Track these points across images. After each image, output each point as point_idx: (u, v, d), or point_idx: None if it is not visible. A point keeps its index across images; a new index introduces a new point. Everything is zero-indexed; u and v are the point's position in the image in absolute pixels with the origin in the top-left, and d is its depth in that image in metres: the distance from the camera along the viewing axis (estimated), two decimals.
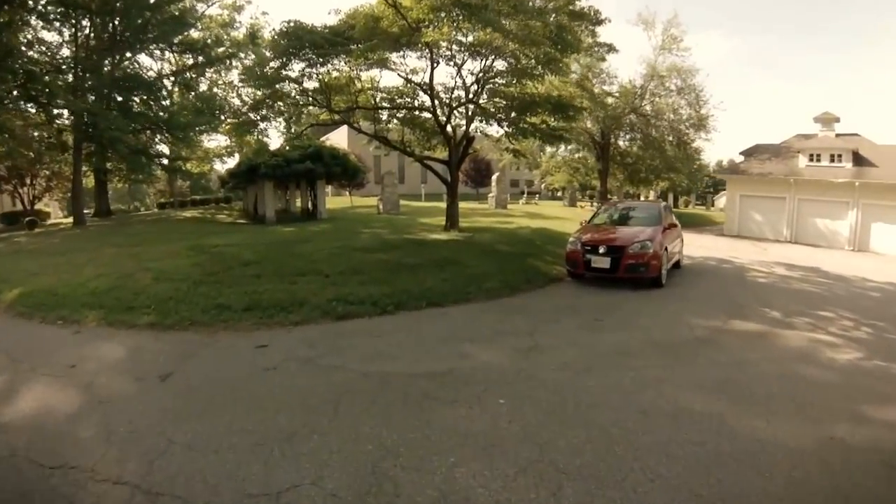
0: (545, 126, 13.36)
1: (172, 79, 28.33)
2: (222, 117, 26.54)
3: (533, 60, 11.90)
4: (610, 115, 27.34)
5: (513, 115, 13.06)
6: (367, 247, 12.04)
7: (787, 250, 19.68)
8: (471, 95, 13.56)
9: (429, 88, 13.68)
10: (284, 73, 13.88)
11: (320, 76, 14.54)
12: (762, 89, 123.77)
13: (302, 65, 14.07)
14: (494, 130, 15.46)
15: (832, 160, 25.49)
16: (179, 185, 38.90)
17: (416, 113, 15.52)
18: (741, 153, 27.98)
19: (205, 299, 8.23)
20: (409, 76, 14.01)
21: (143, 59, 29.85)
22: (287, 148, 18.69)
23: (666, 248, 10.64)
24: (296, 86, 14.70)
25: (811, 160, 25.82)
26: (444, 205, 31.48)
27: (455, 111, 14.18)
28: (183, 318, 7.48)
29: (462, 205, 33.88)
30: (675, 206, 35.87)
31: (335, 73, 14.95)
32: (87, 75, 25.78)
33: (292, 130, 15.10)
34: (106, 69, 26.07)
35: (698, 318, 8.01)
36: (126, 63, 28.27)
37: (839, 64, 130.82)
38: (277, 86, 13.92)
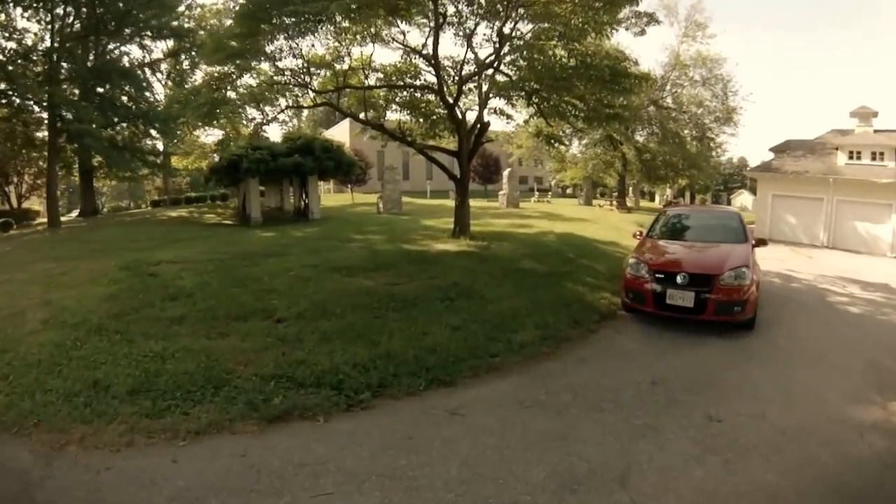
0: (596, 100, 9.35)
1: (160, 69, 24.60)
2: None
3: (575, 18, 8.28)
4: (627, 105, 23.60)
5: (548, 86, 9.27)
6: (351, 265, 8.48)
7: (833, 259, 16.20)
8: (488, 63, 9.83)
9: (432, 58, 10.03)
10: (249, 44, 10.29)
11: (299, 50, 10.98)
12: (775, 85, 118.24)
13: (279, 39, 10.53)
14: (517, 113, 11.65)
15: (873, 158, 21.85)
16: (177, 183, 35.42)
17: (418, 95, 11.92)
18: (771, 149, 24.26)
19: (82, 369, 4.78)
20: (408, 46, 10.36)
21: (134, 50, 26.41)
22: (267, 137, 14.99)
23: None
24: (268, 63, 11.14)
25: (851, 158, 22.17)
26: (451, 203, 27.81)
27: (466, 87, 10.54)
28: (29, 412, 4.06)
29: (471, 203, 29.99)
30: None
31: (320, 50, 11.41)
32: (64, 65, 22.31)
33: (267, 116, 11.47)
34: (91, 58, 22.64)
35: (846, 402, 4.62)
36: (112, 52, 24.77)
37: (849, 60, 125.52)
38: (240, 61, 10.32)
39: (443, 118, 11.51)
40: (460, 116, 10.73)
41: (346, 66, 11.69)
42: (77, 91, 22.92)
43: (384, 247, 10.31)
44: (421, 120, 11.95)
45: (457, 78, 10.57)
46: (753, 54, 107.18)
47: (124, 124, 23.41)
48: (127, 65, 22.97)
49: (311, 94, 11.54)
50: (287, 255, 10.15)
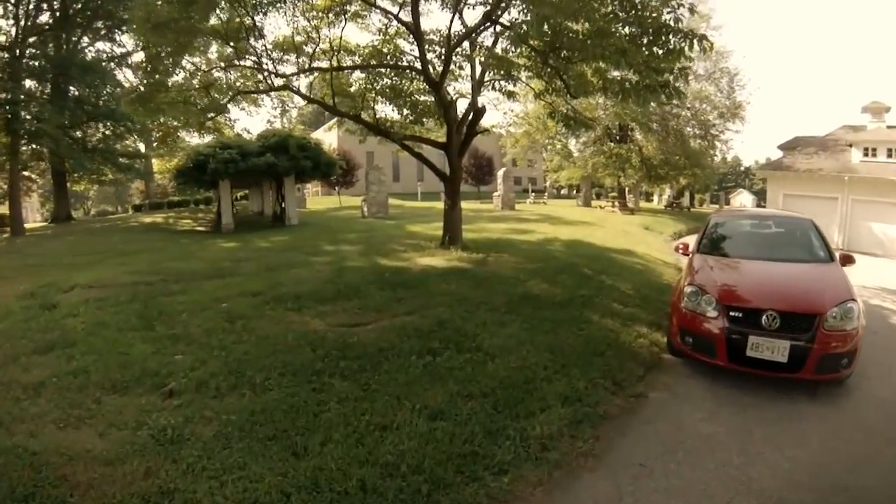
0: (644, 62, 5.96)
1: (128, 63, 21.89)
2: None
3: None
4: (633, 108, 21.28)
5: (569, 55, 6.58)
6: (304, 291, 6.07)
7: (858, 263, 13.78)
8: (483, 20, 7.06)
9: (413, 26, 7.56)
10: (194, 14, 7.90)
11: (258, 29, 8.59)
12: (773, 82, 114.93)
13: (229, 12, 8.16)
14: (521, 91, 8.88)
15: (889, 155, 19.73)
16: (162, 186, 32.77)
17: (401, 81, 9.49)
18: (780, 147, 22.08)
19: None
20: (379, 8, 7.87)
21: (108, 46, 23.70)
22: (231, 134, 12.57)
23: None
24: (220, 43, 8.73)
25: (866, 155, 20.02)
26: (441, 205, 25.52)
27: (455, 60, 8.09)
28: None
29: (464, 205, 27.27)
30: (692, 206, 29.82)
31: (286, 30, 9.00)
32: (25, 60, 19.73)
33: (219, 104, 9.02)
34: (63, 54, 20.04)
35: None
36: (85, 48, 22.20)
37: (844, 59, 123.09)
38: (180, 36, 7.90)
39: (429, 106, 9.08)
40: (449, 99, 8.25)
41: (315, 49, 9.28)
42: (46, 89, 20.50)
43: (356, 262, 7.93)
44: (405, 110, 9.44)
45: (442, 51, 8.06)
46: (750, 49, 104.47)
47: (92, 124, 20.78)
48: (90, 59, 20.26)
49: (271, 79, 9.08)
50: (234, 275, 7.78)
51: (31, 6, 19.78)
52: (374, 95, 10.03)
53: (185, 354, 4.54)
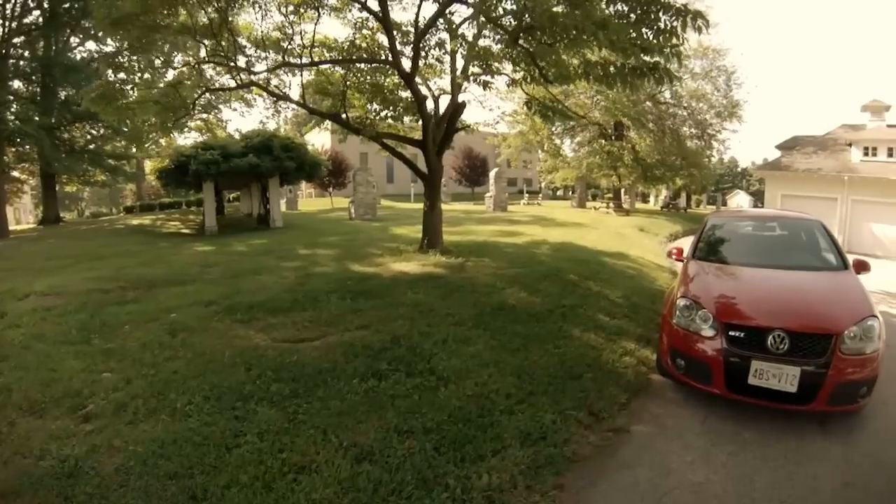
0: (629, 42, 5.24)
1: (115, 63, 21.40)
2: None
3: None
4: (625, 102, 20.77)
5: (541, 35, 5.81)
6: (260, 301, 5.58)
7: None
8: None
9: (382, 16, 6.99)
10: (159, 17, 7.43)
11: (225, 25, 8.07)
12: (770, 82, 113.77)
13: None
14: (502, 79, 8.24)
15: (890, 154, 19.23)
16: (154, 188, 32.32)
17: (379, 77, 8.96)
18: (778, 146, 21.53)
19: None
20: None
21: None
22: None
23: None
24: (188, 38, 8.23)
25: (866, 154, 19.50)
26: None
27: (429, 49, 7.51)
28: None
29: (455, 206, 26.49)
30: (689, 207, 29.22)
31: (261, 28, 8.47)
32: (12, 61, 19.31)
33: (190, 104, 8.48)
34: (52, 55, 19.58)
35: None
36: (74, 48, 21.77)
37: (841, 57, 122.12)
38: (141, 33, 7.42)
39: (404, 102, 8.54)
40: (423, 94, 7.68)
41: (289, 45, 8.77)
42: (36, 90, 20.06)
43: (325, 268, 7.43)
44: (376, 105, 8.89)
45: (412, 31, 7.44)
46: (749, 48, 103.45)
47: (79, 125, 20.33)
48: (77, 60, 19.81)
49: (240, 77, 8.58)
50: (197, 281, 7.30)
51: (17, 6, 19.43)
52: (351, 92, 9.53)
53: (114, 372, 4.12)
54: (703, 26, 5.02)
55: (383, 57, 8.62)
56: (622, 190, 25.37)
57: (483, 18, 5.73)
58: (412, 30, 8.06)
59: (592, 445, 3.20)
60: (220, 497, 2.45)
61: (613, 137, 21.18)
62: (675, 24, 5.13)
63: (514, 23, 6.00)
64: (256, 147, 14.23)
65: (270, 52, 9.15)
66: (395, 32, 7.16)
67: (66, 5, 20.41)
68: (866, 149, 19.43)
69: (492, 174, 20.45)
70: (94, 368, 4.18)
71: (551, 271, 7.60)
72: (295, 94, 9.49)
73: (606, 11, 5.29)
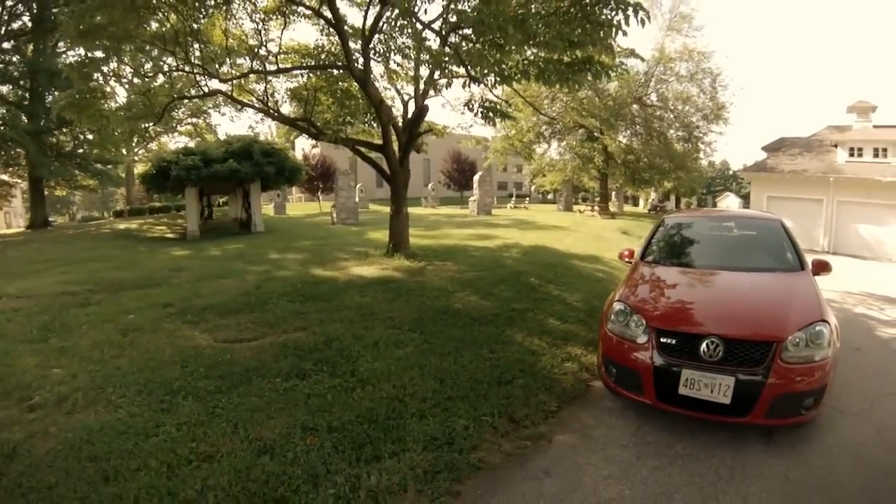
0: (557, 37, 5.19)
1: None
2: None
3: None
4: (611, 105, 21.08)
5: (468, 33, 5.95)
6: (215, 303, 5.86)
7: (843, 267, 13.32)
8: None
9: (333, 20, 7.15)
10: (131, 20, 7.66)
11: (201, 33, 8.34)
12: (759, 85, 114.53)
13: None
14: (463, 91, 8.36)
15: (876, 155, 19.45)
16: (144, 192, 32.62)
17: (339, 79, 9.15)
18: (764, 148, 21.78)
19: None
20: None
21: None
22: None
23: None
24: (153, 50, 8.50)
25: (851, 155, 19.73)
26: (420, 210, 25.19)
27: (389, 57, 7.68)
28: None
29: (441, 210, 26.63)
30: (678, 210, 29.48)
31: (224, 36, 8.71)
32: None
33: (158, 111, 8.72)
34: (51, 59, 19.87)
35: None
36: (62, 51, 22.09)
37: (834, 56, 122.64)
38: (111, 42, 7.69)
39: (361, 105, 8.77)
40: (381, 97, 7.87)
41: (258, 51, 9.06)
42: (25, 95, 20.41)
43: (287, 272, 7.70)
44: (336, 109, 9.14)
45: (383, 47, 7.67)
46: (741, 52, 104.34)
47: (66, 130, 20.65)
48: (62, 65, 20.15)
49: (208, 84, 8.86)
50: (162, 285, 7.58)
51: (4, 12, 19.80)
52: (325, 97, 9.79)
53: (63, 368, 4.42)
54: (645, 18, 4.90)
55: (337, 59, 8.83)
56: (612, 193, 25.63)
57: (406, 20, 5.80)
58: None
59: (504, 454, 3.16)
60: (128, 478, 2.73)
61: (586, 138, 21.49)
62: (616, 17, 5.08)
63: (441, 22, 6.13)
64: (237, 152, 14.55)
65: (237, 59, 9.44)
66: (349, 36, 7.33)
67: (55, 10, 20.86)
68: (852, 149, 19.67)
69: (476, 178, 20.73)
70: (46, 364, 4.47)
71: (511, 275, 7.84)
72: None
73: (531, 8, 5.28)
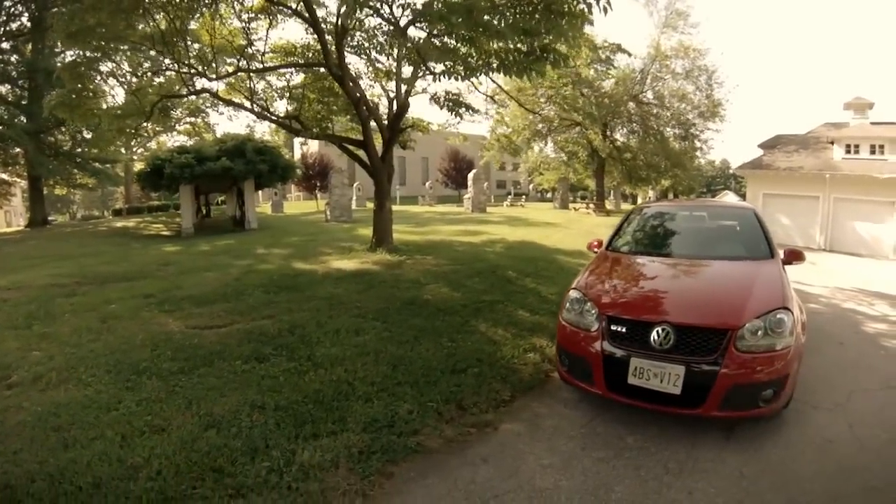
0: (511, 28, 5.16)
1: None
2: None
3: None
4: (607, 103, 21.21)
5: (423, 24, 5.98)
6: (194, 294, 6.14)
7: (837, 264, 13.42)
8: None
9: (310, 19, 7.30)
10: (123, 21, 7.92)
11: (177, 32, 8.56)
12: (759, 83, 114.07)
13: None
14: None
15: (872, 151, 19.49)
16: (143, 190, 33.08)
17: (325, 77, 9.34)
18: (760, 145, 21.83)
19: None
20: None
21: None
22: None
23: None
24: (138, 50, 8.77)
25: (848, 152, 19.75)
26: (418, 208, 25.43)
27: (370, 54, 7.81)
28: None
29: (437, 208, 26.74)
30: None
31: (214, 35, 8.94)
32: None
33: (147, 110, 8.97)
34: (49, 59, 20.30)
35: None
36: (60, 52, 22.53)
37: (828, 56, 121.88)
38: (104, 43, 7.96)
39: (339, 102, 8.97)
40: (358, 95, 8.03)
41: (247, 49, 9.31)
42: (21, 94, 20.85)
43: (269, 266, 7.96)
44: (316, 104, 9.36)
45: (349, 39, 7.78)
46: (743, 50, 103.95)
47: (64, 129, 21.07)
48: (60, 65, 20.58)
49: (195, 83, 9.10)
50: (148, 277, 7.86)
51: (2, 13, 20.22)
52: (315, 95, 10.04)
53: (42, 351, 4.69)
54: (607, 6, 4.97)
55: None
56: (610, 191, 25.76)
57: (362, 14, 5.85)
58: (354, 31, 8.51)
59: (445, 439, 3.19)
60: (85, 446, 2.98)
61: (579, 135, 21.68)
62: (578, 6, 5.11)
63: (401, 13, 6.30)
64: (230, 150, 14.85)
65: (225, 58, 9.68)
66: (324, 35, 7.51)
67: (54, 10, 21.28)
68: (848, 146, 19.70)
69: (470, 176, 20.95)
70: (27, 348, 4.75)
71: (489, 268, 8.03)
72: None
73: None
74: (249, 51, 9.39)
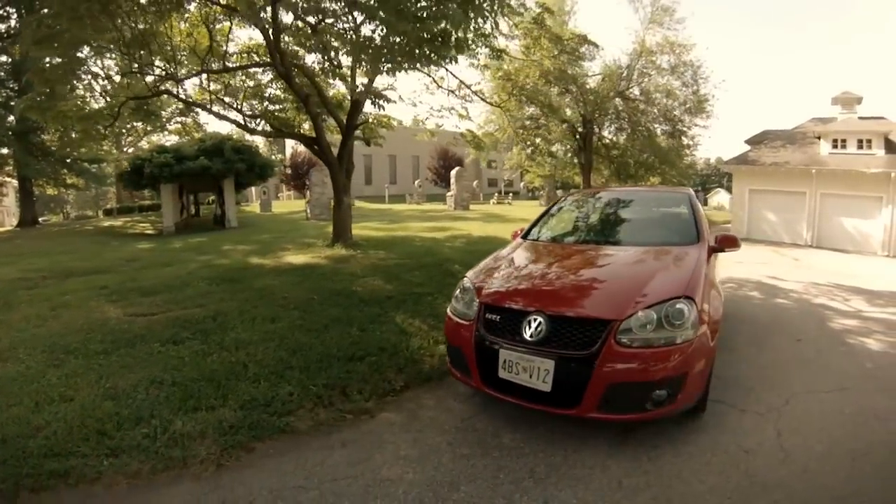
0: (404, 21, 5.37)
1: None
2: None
3: None
4: (592, 99, 21.61)
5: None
6: (145, 286, 6.71)
7: (821, 260, 13.59)
8: None
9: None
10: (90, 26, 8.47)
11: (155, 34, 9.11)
12: (749, 80, 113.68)
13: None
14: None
15: (860, 146, 19.71)
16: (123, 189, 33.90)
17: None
18: (747, 141, 22.09)
19: None
20: None
21: None
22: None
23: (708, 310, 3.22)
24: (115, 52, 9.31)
25: (835, 147, 19.98)
26: (403, 206, 25.94)
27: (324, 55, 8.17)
28: None
29: (424, 206, 27.49)
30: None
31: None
32: None
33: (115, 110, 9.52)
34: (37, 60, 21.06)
35: None
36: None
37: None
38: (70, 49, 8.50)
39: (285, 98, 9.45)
40: (306, 92, 8.47)
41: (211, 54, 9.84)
42: (8, 94, 21.61)
43: (225, 261, 8.52)
44: (266, 102, 9.89)
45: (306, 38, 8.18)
46: (724, 47, 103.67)
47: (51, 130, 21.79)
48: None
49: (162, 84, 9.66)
50: (111, 272, 8.47)
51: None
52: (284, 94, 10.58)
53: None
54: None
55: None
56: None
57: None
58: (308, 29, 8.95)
59: (316, 422, 3.33)
60: (3, 411, 3.50)
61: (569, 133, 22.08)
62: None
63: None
64: (209, 150, 15.45)
65: (183, 58, 10.18)
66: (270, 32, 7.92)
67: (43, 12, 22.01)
68: (835, 141, 19.89)
69: (453, 174, 21.39)
70: None
71: (436, 262, 8.47)
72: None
73: None
74: (210, 54, 9.90)
